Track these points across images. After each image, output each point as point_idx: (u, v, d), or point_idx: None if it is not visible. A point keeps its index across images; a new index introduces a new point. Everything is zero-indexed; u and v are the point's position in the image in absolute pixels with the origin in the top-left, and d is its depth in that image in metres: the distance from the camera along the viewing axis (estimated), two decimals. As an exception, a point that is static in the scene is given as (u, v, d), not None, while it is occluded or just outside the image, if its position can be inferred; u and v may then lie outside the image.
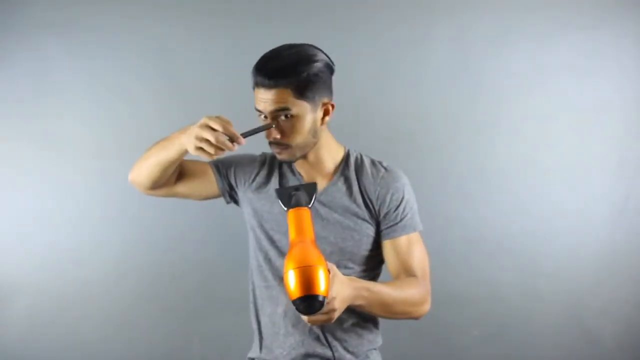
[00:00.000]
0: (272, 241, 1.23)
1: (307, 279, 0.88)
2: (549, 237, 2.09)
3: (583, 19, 2.06)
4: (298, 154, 1.18)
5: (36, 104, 2.06)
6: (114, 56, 2.06)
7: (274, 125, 1.12)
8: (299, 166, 1.25)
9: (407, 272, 1.18)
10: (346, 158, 1.26)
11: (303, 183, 1.22)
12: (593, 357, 2.10)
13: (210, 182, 1.29)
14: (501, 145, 2.08)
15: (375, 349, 1.27)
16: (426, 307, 1.18)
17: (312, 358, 1.19)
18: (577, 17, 2.06)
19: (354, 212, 1.20)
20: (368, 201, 1.21)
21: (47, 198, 2.07)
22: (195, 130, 1.03)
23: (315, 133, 1.17)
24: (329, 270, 0.93)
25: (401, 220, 1.20)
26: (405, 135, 2.07)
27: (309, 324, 1.17)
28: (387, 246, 1.21)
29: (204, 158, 1.05)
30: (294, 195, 1.04)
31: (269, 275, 1.23)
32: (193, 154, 1.06)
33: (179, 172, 1.26)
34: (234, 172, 1.29)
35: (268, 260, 1.23)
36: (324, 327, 1.12)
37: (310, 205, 1.03)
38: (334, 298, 0.94)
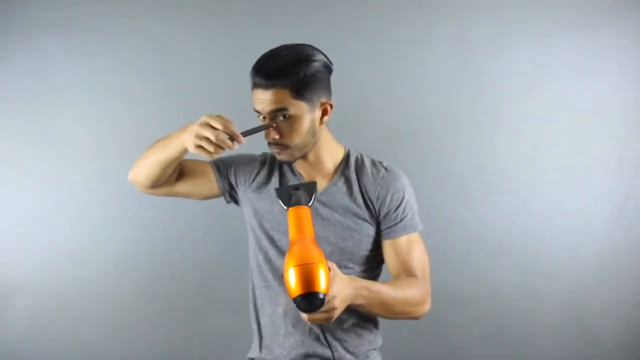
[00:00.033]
0: (272, 241, 1.23)
1: (307, 276, 0.88)
2: (549, 237, 2.09)
3: (583, 19, 2.06)
4: (297, 154, 1.18)
5: (36, 104, 2.06)
6: (114, 56, 2.06)
7: (274, 125, 1.12)
8: (299, 166, 1.25)
9: (407, 272, 1.18)
10: (346, 158, 1.26)
11: (303, 182, 1.22)
12: (593, 357, 2.10)
13: (210, 182, 1.29)
14: (501, 145, 2.08)
15: (375, 349, 1.27)
16: (426, 307, 1.18)
17: (312, 358, 1.19)
18: (577, 17, 2.06)
19: (354, 212, 1.20)
20: (368, 201, 1.21)
21: (47, 198, 2.07)
22: (196, 129, 1.03)
23: (314, 133, 1.17)
24: (329, 269, 0.93)
25: (401, 220, 1.20)
26: (405, 135, 2.07)
27: (309, 323, 1.17)
28: (387, 246, 1.21)
29: (204, 156, 1.05)
30: (294, 194, 1.04)
31: (269, 275, 1.23)
32: (193, 152, 1.06)
33: (179, 172, 1.26)
34: (234, 172, 1.29)
35: (268, 260, 1.23)
36: (323, 327, 1.12)
37: (310, 204, 1.03)
38: (334, 297, 0.94)
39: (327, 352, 1.18)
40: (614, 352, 2.10)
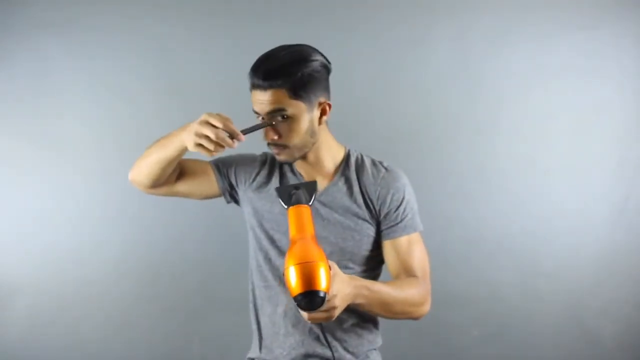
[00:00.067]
0: (272, 241, 1.23)
1: (308, 274, 0.88)
2: (549, 237, 2.09)
3: (583, 19, 2.06)
4: (297, 155, 1.18)
5: (36, 103, 2.06)
6: (114, 56, 2.06)
7: (273, 122, 1.12)
8: (299, 166, 1.25)
9: (407, 272, 1.18)
10: (347, 158, 1.26)
11: (303, 181, 1.22)
12: (593, 357, 2.10)
13: (210, 182, 1.29)
14: (501, 145, 2.08)
15: (375, 349, 1.27)
16: (426, 307, 1.18)
17: (312, 358, 1.19)
18: (577, 17, 2.06)
19: (355, 213, 1.20)
20: (369, 201, 1.21)
21: (47, 198, 2.07)
22: (195, 127, 1.04)
23: (313, 133, 1.17)
24: (330, 267, 0.93)
25: (401, 220, 1.20)
26: (405, 135, 2.07)
27: (309, 323, 1.18)
28: (388, 246, 1.21)
29: (204, 154, 1.05)
30: (294, 193, 1.04)
31: (269, 275, 1.23)
32: (192, 150, 1.06)
33: (179, 171, 1.26)
34: (235, 172, 1.29)
35: (268, 260, 1.23)
36: (323, 327, 1.12)
37: (310, 203, 1.03)
38: (334, 295, 0.94)
39: (327, 352, 1.18)
40: (614, 352, 2.10)
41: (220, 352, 2.07)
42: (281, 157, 1.19)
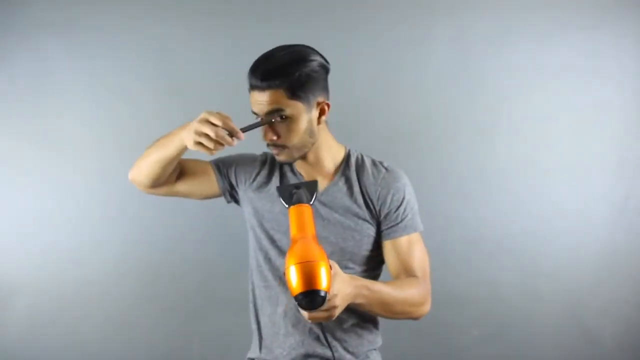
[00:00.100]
0: (272, 240, 1.23)
1: (309, 274, 0.88)
2: (549, 237, 2.09)
3: (583, 19, 2.06)
4: (296, 155, 1.18)
5: (36, 103, 2.06)
6: (114, 56, 2.06)
7: (272, 120, 1.12)
8: (299, 166, 1.25)
9: (407, 272, 1.18)
10: (347, 158, 1.26)
11: (304, 181, 1.22)
12: (593, 357, 2.10)
13: (210, 181, 1.29)
14: (501, 145, 2.08)
15: (375, 349, 1.27)
16: (426, 307, 1.18)
17: (312, 358, 1.19)
18: (577, 17, 2.06)
19: (355, 213, 1.20)
20: (369, 201, 1.21)
21: (47, 198, 2.07)
22: (195, 125, 1.04)
23: (312, 133, 1.17)
24: (330, 267, 0.93)
25: (402, 220, 1.20)
26: (405, 135, 2.07)
27: (309, 323, 1.18)
28: (388, 246, 1.21)
29: (204, 153, 1.05)
30: (296, 192, 1.04)
31: (269, 275, 1.23)
32: (192, 149, 1.06)
33: (179, 171, 1.26)
34: (235, 171, 1.29)
35: (268, 259, 1.23)
36: (324, 326, 1.12)
37: (311, 203, 1.03)
38: (335, 295, 0.94)
39: (327, 352, 1.18)
40: (614, 352, 2.10)
41: (220, 352, 2.07)
42: (281, 158, 1.19)
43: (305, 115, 1.14)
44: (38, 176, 2.07)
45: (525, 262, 2.09)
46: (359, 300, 1.05)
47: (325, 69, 1.17)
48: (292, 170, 1.26)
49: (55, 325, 2.07)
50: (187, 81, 2.07)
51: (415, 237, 1.21)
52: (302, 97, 1.12)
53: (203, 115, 1.04)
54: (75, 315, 2.07)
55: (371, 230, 1.21)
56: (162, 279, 2.09)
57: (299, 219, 0.99)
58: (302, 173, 1.25)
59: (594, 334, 2.10)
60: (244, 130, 1.07)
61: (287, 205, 1.03)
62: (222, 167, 1.30)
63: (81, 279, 2.07)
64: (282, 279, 1.21)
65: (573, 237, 2.08)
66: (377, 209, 1.21)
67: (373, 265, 1.24)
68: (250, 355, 1.29)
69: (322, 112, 1.17)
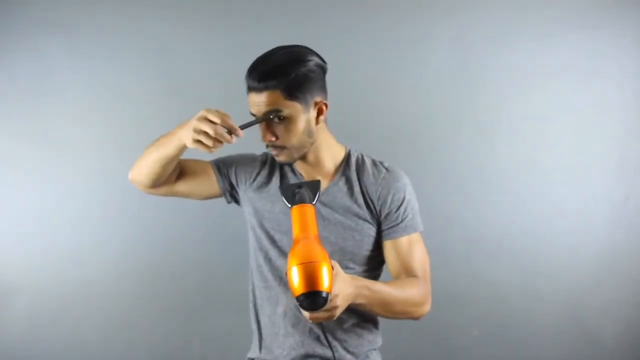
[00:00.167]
0: (272, 240, 1.23)
1: (311, 275, 0.88)
2: (549, 237, 2.09)
3: (583, 19, 2.06)
4: (296, 155, 1.18)
5: (36, 103, 2.06)
6: (114, 56, 2.06)
7: (271, 117, 1.12)
8: (299, 166, 1.25)
9: (407, 272, 1.18)
10: (347, 158, 1.26)
11: (307, 180, 1.22)
12: (593, 357, 2.10)
13: (211, 181, 1.29)
14: (501, 145, 2.08)
15: (375, 349, 1.27)
16: (426, 307, 1.19)
17: (312, 358, 1.19)
18: (577, 17, 2.06)
19: (355, 213, 1.20)
20: (369, 201, 1.21)
21: (47, 198, 2.07)
22: (194, 123, 1.04)
23: (310, 133, 1.17)
24: (332, 267, 0.93)
25: (402, 220, 1.20)
26: (405, 135, 2.07)
27: (309, 324, 1.18)
28: (388, 246, 1.21)
29: (202, 150, 1.05)
30: (298, 192, 1.04)
31: (269, 276, 1.23)
32: (191, 146, 1.06)
33: (179, 171, 1.26)
34: (235, 171, 1.29)
35: (268, 260, 1.23)
36: (324, 326, 1.12)
37: (314, 203, 1.03)
38: (336, 295, 0.95)
39: (327, 352, 1.18)
40: (614, 352, 2.10)
41: (220, 352, 2.07)
42: (280, 158, 1.19)
43: (303, 115, 1.14)
44: (38, 176, 2.07)
45: (525, 262, 2.09)
46: (359, 300, 1.05)
47: (322, 69, 1.17)
48: (293, 171, 1.26)
49: (55, 325, 2.07)
50: (187, 81, 2.07)
51: (415, 237, 1.21)
52: (300, 97, 1.12)
53: (202, 113, 1.04)
54: (75, 315, 2.07)
55: (371, 230, 1.21)
56: (162, 279, 2.09)
57: (302, 219, 0.99)
58: (303, 173, 1.25)
59: (594, 334, 2.10)
60: (243, 127, 1.07)
61: (289, 205, 1.03)
62: (223, 167, 1.30)
63: (81, 279, 2.07)
64: (282, 279, 1.21)
65: (573, 237, 2.08)
66: (378, 209, 1.21)
67: (373, 265, 1.24)
68: (250, 355, 1.29)
69: (320, 112, 1.17)
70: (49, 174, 2.07)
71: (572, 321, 2.10)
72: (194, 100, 2.02)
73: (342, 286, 0.96)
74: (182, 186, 1.28)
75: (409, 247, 1.20)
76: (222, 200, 1.33)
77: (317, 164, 1.23)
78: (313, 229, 0.98)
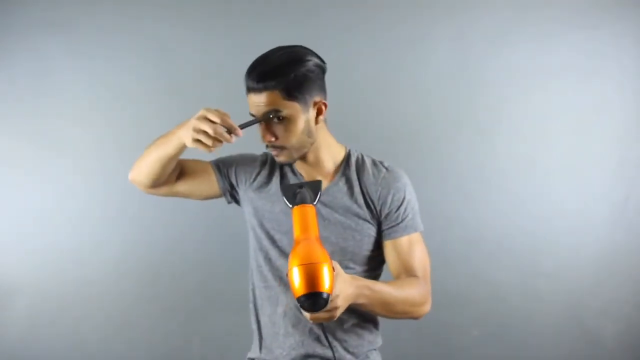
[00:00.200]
0: (272, 241, 1.23)
1: (311, 276, 0.88)
2: (549, 237, 2.09)
3: (583, 19, 2.06)
4: (295, 155, 1.19)
5: (36, 103, 2.06)
6: (114, 56, 2.06)
7: (270, 116, 1.12)
8: (299, 167, 1.25)
9: (408, 272, 1.18)
10: (347, 158, 1.26)
11: (308, 181, 1.22)
12: (593, 357, 2.10)
13: (211, 182, 1.29)
14: (501, 145, 2.08)
15: (375, 349, 1.27)
16: (427, 307, 1.19)
17: (312, 358, 1.19)
18: (577, 17, 2.06)
19: (355, 213, 1.20)
20: (369, 201, 1.21)
21: (47, 198, 2.07)
22: (193, 123, 1.04)
23: (310, 133, 1.17)
24: (333, 268, 0.93)
25: (402, 220, 1.20)
26: (405, 135, 2.07)
27: (309, 324, 1.18)
28: (388, 246, 1.21)
29: (202, 150, 1.05)
30: (299, 192, 1.04)
31: (269, 276, 1.23)
32: (190, 146, 1.06)
33: (179, 171, 1.27)
34: (235, 171, 1.29)
35: (268, 260, 1.23)
36: (324, 327, 1.12)
37: (315, 203, 1.03)
38: (337, 296, 0.95)
39: (327, 352, 1.18)
40: (614, 352, 2.10)
41: (220, 352, 2.07)
42: (280, 159, 1.19)
43: (302, 115, 1.14)
44: (38, 176, 2.07)
45: (525, 262, 2.09)
46: (360, 301, 1.05)
47: (321, 69, 1.17)
48: (293, 171, 1.26)
49: (55, 325, 2.07)
50: (187, 81, 2.07)
51: (415, 237, 1.21)
52: (299, 97, 1.12)
53: (201, 112, 1.04)
54: (75, 315, 2.07)
55: (372, 230, 1.21)
56: (162, 279, 2.09)
57: (303, 220, 0.99)
58: (303, 173, 1.25)
59: (594, 334, 2.10)
60: (242, 127, 1.07)
61: (290, 206, 1.02)
62: (223, 167, 1.30)
63: (81, 279, 2.07)
64: (282, 279, 1.21)
65: (573, 237, 2.08)
66: (378, 209, 1.21)
67: (374, 265, 1.24)
68: (250, 355, 1.29)
69: (319, 112, 1.17)
70: (49, 174, 2.07)
71: (572, 321, 2.10)
72: (194, 100, 2.01)
73: (342, 286, 0.97)
74: (182, 186, 1.28)
75: (409, 247, 1.20)
76: (222, 200, 1.33)
77: (317, 164, 1.23)
78: (314, 230, 0.98)
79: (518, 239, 2.09)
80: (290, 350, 1.20)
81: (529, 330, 2.09)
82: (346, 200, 1.21)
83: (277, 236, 1.23)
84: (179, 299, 2.09)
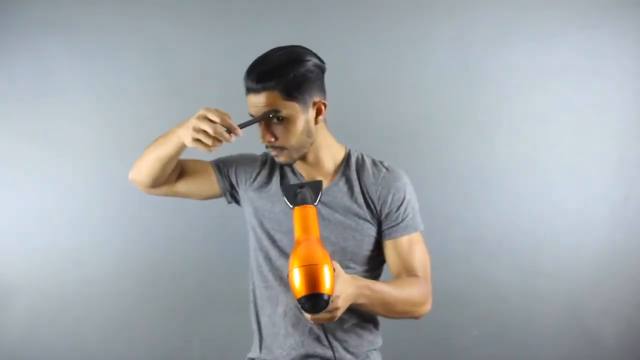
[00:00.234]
0: (272, 240, 1.23)
1: (312, 277, 0.88)
2: (549, 237, 2.09)
3: (583, 19, 2.06)
4: (295, 156, 1.18)
5: (36, 103, 2.06)
6: (114, 56, 2.06)
7: (270, 115, 1.12)
8: (299, 167, 1.25)
9: (408, 272, 1.18)
10: (347, 158, 1.26)
11: (308, 181, 1.22)
12: (593, 357, 2.10)
13: (211, 182, 1.29)
14: (501, 145, 2.08)
15: (375, 349, 1.27)
16: (427, 307, 1.19)
17: (312, 358, 1.19)
18: (577, 17, 2.06)
19: (355, 212, 1.20)
20: (369, 201, 1.21)
21: (47, 198, 2.07)
22: (193, 122, 1.04)
23: (309, 133, 1.17)
24: (334, 269, 0.93)
25: (402, 220, 1.20)
26: (405, 135, 2.07)
27: (309, 324, 1.18)
28: (389, 246, 1.21)
29: (202, 150, 1.05)
30: (300, 192, 1.03)
31: (269, 276, 1.23)
32: (190, 145, 1.06)
33: (180, 171, 1.26)
34: (235, 171, 1.29)
35: (268, 260, 1.23)
36: (325, 327, 1.12)
37: (316, 203, 1.02)
38: (337, 296, 0.95)
39: (327, 353, 1.18)
40: (614, 352, 2.10)
41: (220, 352, 2.07)
42: (280, 159, 1.19)
43: (302, 115, 1.14)
44: (38, 176, 2.07)
45: (525, 262, 2.09)
46: (361, 301, 1.05)
47: (320, 69, 1.17)
48: (293, 171, 1.26)
49: (55, 325, 2.07)
50: (187, 81, 2.07)
51: (416, 236, 1.21)
52: (298, 97, 1.12)
53: (201, 112, 1.04)
54: (75, 315, 2.07)
55: (372, 230, 1.21)
56: (162, 279, 2.09)
57: (304, 221, 0.99)
58: (303, 173, 1.25)
59: (594, 334, 2.10)
60: (242, 126, 1.07)
61: (291, 206, 1.02)
62: (223, 167, 1.30)
63: (81, 279, 2.07)
64: (282, 279, 1.21)
65: (573, 237, 2.08)
66: (378, 208, 1.21)
67: (374, 265, 1.24)
68: (250, 355, 1.29)
69: (319, 112, 1.17)
70: (49, 174, 2.07)
71: (572, 321, 2.10)
72: (194, 100, 2.00)
73: (343, 287, 0.96)
74: (182, 186, 1.28)
75: (409, 246, 1.20)
76: (222, 200, 1.33)
77: (317, 164, 1.23)
78: (315, 230, 0.98)
79: (518, 239, 2.09)
80: (291, 351, 1.20)
81: (529, 330, 2.09)
82: (346, 200, 1.21)
83: (277, 236, 1.22)
84: (179, 299, 2.09)
